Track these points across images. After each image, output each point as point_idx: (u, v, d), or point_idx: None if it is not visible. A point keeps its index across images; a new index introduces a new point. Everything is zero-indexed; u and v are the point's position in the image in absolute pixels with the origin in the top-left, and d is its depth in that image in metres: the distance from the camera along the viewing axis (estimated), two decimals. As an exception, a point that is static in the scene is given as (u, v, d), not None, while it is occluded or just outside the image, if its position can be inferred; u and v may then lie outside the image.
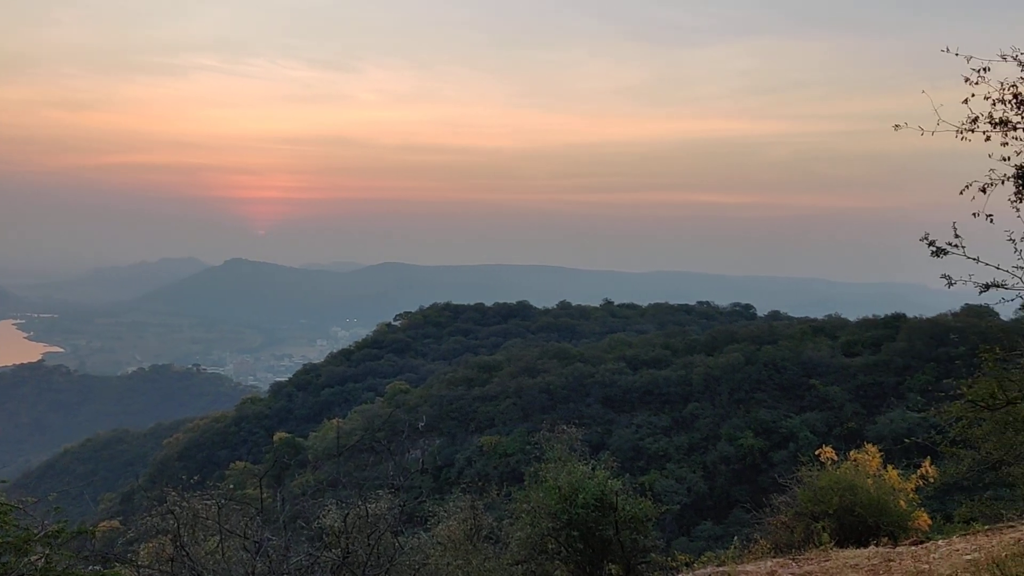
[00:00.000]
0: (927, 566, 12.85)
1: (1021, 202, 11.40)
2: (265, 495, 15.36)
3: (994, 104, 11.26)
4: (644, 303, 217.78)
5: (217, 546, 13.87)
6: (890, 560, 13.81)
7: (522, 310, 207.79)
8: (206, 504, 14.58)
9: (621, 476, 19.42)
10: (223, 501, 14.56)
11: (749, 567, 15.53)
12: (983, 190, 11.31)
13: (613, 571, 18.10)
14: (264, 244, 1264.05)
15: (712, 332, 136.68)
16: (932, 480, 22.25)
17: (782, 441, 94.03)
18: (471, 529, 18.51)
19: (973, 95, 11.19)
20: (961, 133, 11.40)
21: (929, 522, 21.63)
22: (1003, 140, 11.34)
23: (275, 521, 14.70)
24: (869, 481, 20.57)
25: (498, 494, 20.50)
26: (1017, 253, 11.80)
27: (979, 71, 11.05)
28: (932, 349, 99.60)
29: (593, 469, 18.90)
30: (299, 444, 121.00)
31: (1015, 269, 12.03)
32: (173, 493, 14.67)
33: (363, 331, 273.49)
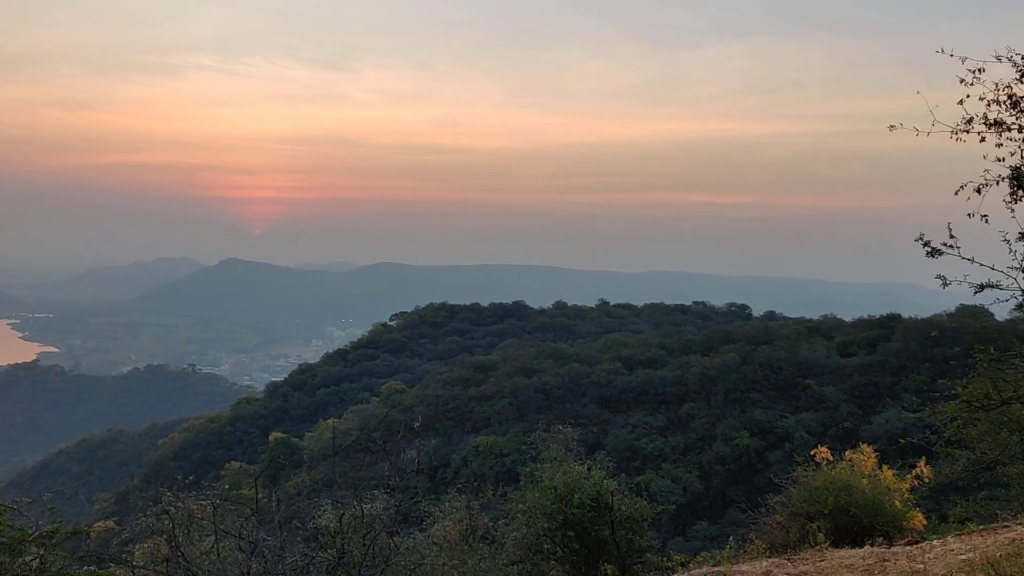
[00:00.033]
0: (922, 566, 12.87)
1: (1016, 203, 11.44)
2: (260, 495, 15.35)
3: (989, 105, 11.30)
4: (640, 303, 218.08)
5: (212, 546, 13.85)
6: (885, 560, 13.84)
7: (518, 310, 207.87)
8: (201, 504, 14.55)
9: (617, 476, 19.45)
10: (218, 501, 14.53)
11: (745, 567, 15.55)
12: (978, 191, 11.35)
13: (609, 571, 18.11)
14: (260, 244, 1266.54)
15: (708, 332, 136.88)
16: (927, 480, 22.29)
17: (778, 441, 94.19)
18: (467, 529, 18.50)
19: (968, 96, 11.23)
20: (956, 134, 11.43)
21: (924, 522, 21.70)
22: (998, 141, 11.38)
23: (270, 521, 14.68)
24: (864, 481, 20.63)
25: (494, 494, 20.52)
26: (1012, 254, 11.84)
27: (974, 72, 11.08)
28: (927, 349, 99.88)
29: (589, 469, 18.91)
30: (295, 444, 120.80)
31: (1010, 270, 12.06)
32: (168, 493, 14.65)
33: (359, 331, 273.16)
